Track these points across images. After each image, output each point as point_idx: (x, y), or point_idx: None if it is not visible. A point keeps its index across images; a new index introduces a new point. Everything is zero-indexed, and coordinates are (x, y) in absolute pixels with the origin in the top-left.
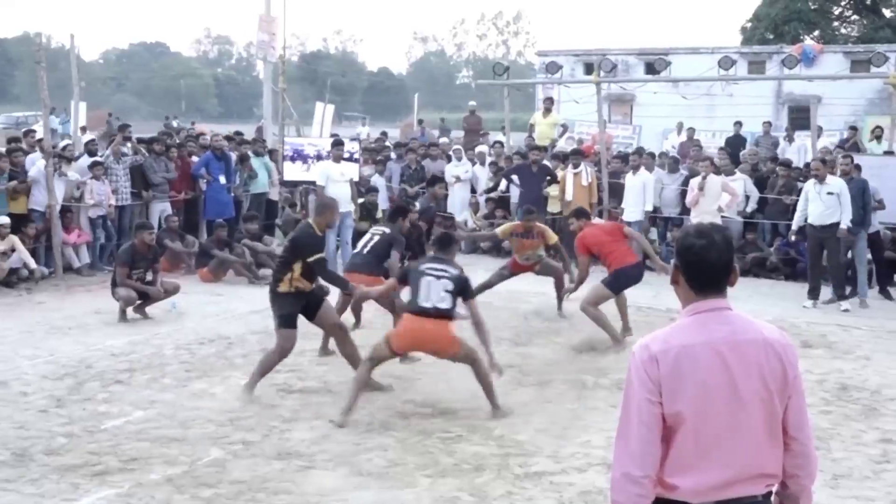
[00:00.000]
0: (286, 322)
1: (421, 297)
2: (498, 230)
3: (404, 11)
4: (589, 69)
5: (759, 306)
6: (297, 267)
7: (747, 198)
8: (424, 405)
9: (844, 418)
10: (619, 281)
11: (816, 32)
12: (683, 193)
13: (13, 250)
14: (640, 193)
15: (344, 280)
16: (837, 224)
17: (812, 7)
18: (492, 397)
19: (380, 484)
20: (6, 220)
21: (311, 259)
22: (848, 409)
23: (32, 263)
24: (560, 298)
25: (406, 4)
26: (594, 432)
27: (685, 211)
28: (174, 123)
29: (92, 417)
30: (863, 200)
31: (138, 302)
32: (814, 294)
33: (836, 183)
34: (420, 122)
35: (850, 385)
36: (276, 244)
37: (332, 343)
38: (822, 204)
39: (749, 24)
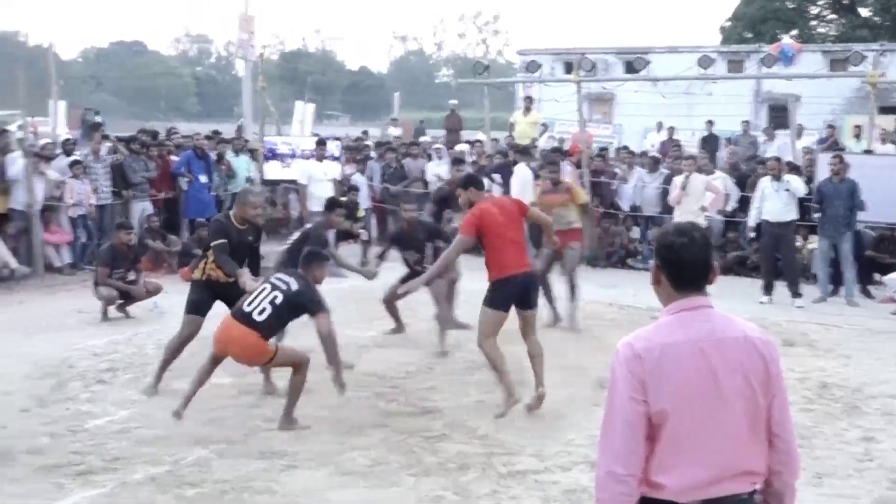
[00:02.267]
0: (190, 308)
1: (247, 302)
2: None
3: (384, 10)
4: (569, 68)
5: (741, 305)
6: (211, 254)
7: (727, 196)
8: (408, 404)
9: (826, 416)
10: None
11: (794, 31)
12: (664, 192)
13: None
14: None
15: (234, 266)
16: (793, 221)
17: (790, 6)
18: (290, 409)
19: (364, 483)
20: None
21: (212, 243)
22: (830, 407)
23: (13, 263)
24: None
25: (386, 3)
26: (577, 431)
27: (666, 210)
28: (96, 119)
29: (74, 417)
30: (852, 201)
31: (120, 301)
32: (768, 290)
33: (792, 180)
34: (394, 120)
35: (830, 383)
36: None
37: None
38: (779, 201)
39: (728, 24)
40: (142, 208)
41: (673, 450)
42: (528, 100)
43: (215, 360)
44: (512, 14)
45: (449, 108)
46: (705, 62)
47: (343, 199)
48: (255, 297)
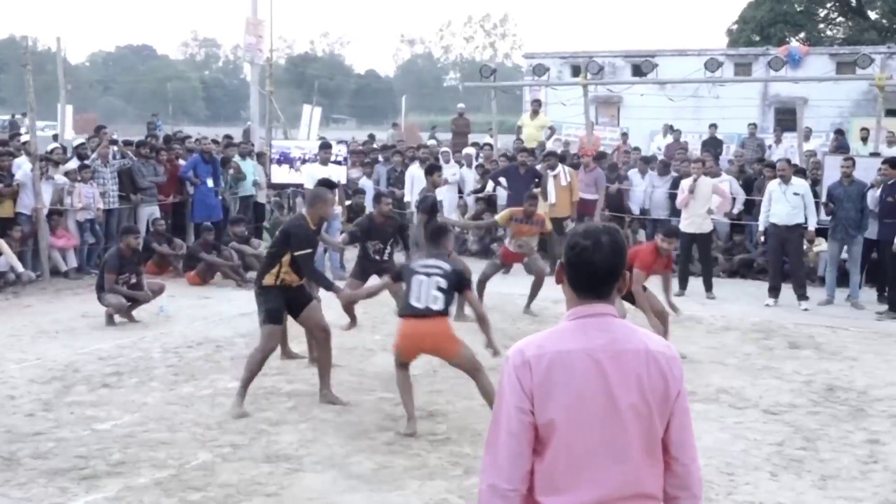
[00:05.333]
0: (271, 317)
1: (412, 298)
2: (497, 217)
3: (391, 14)
4: (576, 71)
5: (747, 307)
6: (286, 259)
7: (734, 199)
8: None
9: (832, 419)
10: None
11: (802, 34)
12: (673, 196)
13: (0, 254)
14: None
15: (328, 280)
16: (801, 225)
17: (798, 9)
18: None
19: (369, 487)
20: None
21: (298, 254)
22: (835, 409)
23: (19, 267)
24: (532, 298)
25: (393, 7)
26: None
27: (674, 213)
28: (159, 125)
29: (80, 421)
30: (861, 204)
31: (127, 304)
32: (774, 293)
33: (800, 184)
34: (394, 125)
35: (837, 386)
36: (264, 247)
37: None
38: (788, 204)
39: (735, 27)
40: (149, 212)
41: (560, 467)
42: (536, 103)
43: (405, 366)
44: (520, 17)
45: (456, 111)
46: (713, 65)
47: (348, 202)
48: (418, 290)
